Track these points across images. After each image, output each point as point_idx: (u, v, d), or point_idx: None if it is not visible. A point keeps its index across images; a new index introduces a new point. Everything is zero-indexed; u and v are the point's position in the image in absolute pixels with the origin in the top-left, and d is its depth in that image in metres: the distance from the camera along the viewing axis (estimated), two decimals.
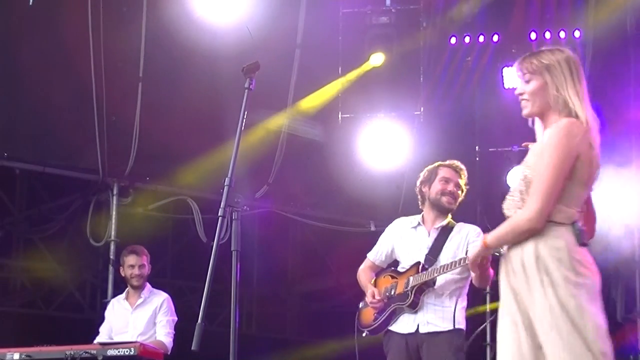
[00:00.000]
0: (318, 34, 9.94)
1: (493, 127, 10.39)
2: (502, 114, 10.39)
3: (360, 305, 6.26)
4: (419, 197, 6.22)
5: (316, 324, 11.12)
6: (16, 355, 6.68)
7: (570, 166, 3.86)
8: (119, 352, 6.63)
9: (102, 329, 7.53)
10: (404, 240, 6.17)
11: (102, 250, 9.33)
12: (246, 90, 4.26)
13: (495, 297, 11.45)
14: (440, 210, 6.12)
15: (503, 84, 10.44)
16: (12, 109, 8.67)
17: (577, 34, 10.37)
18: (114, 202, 9.08)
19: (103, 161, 8.77)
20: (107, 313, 7.65)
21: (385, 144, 9.89)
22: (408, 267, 6.07)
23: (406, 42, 9.89)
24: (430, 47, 10.14)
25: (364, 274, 6.32)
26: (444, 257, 5.97)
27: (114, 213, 9.07)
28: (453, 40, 10.55)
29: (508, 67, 10.44)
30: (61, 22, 8.67)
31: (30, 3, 8.46)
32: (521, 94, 4.06)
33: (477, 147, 10.43)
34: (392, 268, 6.25)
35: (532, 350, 3.76)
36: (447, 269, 5.81)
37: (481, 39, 10.51)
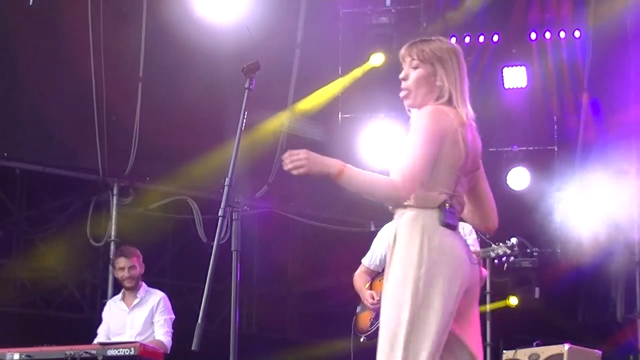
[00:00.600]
0: (318, 34, 9.94)
1: (493, 127, 10.39)
2: (502, 114, 10.40)
3: (357, 309, 6.25)
4: None
5: (316, 324, 11.11)
6: (16, 355, 6.67)
7: (438, 148, 3.74)
8: (119, 352, 6.62)
9: (100, 330, 7.51)
10: None
11: (102, 250, 9.33)
12: (246, 90, 4.24)
13: (495, 297, 11.48)
14: None
15: (503, 84, 10.44)
16: (12, 109, 8.66)
17: (577, 34, 10.37)
18: (114, 202, 9.08)
19: (103, 161, 8.77)
20: (104, 314, 7.62)
21: (385, 144, 9.89)
22: None
23: (406, 42, 9.88)
24: None
25: (359, 279, 6.34)
26: None
27: (114, 213, 9.07)
28: (453, 40, 10.51)
29: (508, 67, 10.44)
30: (61, 22, 8.68)
31: (30, 3, 8.46)
32: (404, 79, 3.95)
33: None
34: None
35: None
36: None
37: (481, 39, 10.50)
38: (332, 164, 3.74)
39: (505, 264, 6.43)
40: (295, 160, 3.76)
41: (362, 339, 6.14)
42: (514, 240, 6.31)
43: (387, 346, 3.61)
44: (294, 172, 3.67)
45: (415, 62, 3.94)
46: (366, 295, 6.17)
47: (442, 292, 3.60)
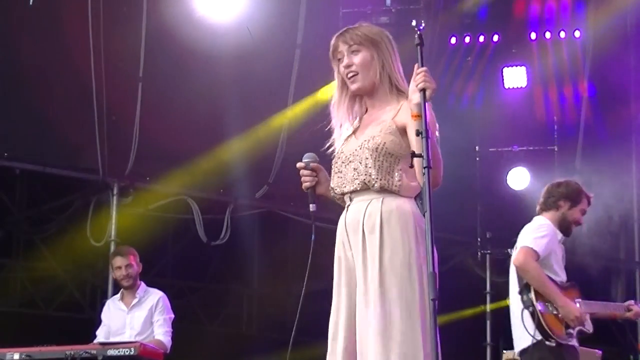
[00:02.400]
0: (318, 34, 9.94)
1: (493, 127, 10.40)
2: (502, 114, 10.40)
3: (541, 308, 5.93)
4: (547, 204, 6.19)
5: (316, 324, 11.11)
6: (16, 355, 6.67)
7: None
8: (119, 352, 6.62)
9: (99, 332, 7.49)
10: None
11: (102, 250, 9.32)
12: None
13: (495, 297, 11.48)
14: (564, 233, 6.16)
15: (503, 84, 10.44)
16: (12, 109, 8.67)
17: (577, 34, 10.38)
18: (114, 202, 9.08)
19: (103, 161, 8.78)
20: (103, 315, 7.61)
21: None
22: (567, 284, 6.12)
23: (406, 42, 9.88)
24: (430, 47, 10.14)
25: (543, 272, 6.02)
26: None
27: (114, 213, 9.07)
28: (453, 40, 10.55)
29: (508, 67, 10.45)
30: (61, 22, 8.68)
31: (30, 3, 8.46)
32: (349, 66, 3.90)
33: (477, 147, 10.44)
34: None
35: None
36: None
37: (481, 39, 10.51)
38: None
39: None
40: (426, 76, 3.53)
41: (552, 343, 5.93)
42: None
43: (381, 338, 3.65)
44: (422, 86, 3.49)
45: (355, 47, 3.90)
46: (573, 309, 5.99)
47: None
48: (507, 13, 10.55)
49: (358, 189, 3.81)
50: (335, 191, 3.91)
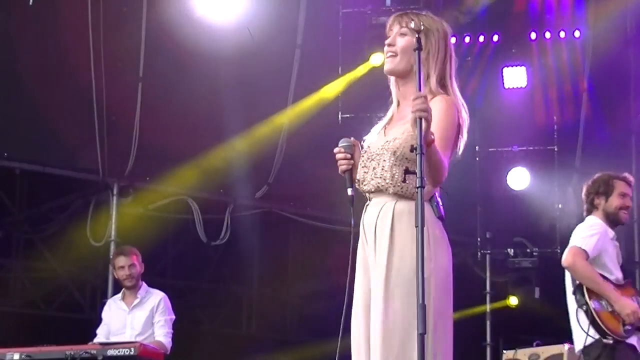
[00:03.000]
0: (318, 34, 9.94)
1: (493, 127, 10.39)
2: (502, 114, 10.39)
3: (595, 306, 5.92)
4: (587, 205, 6.21)
5: (316, 324, 11.11)
6: (16, 355, 6.67)
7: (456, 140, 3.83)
8: (119, 352, 6.62)
9: (100, 330, 7.50)
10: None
11: (102, 250, 9.32)
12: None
13: (495, 297, 11.46)
14: (616, 224, 6.20)
15: (503, 84, 10.44)
16: (12, 109, 8.67)
17: (577, 34, 10.37)
18: (114, 202, 9.09)
19: (103, 161, 8.78)
20: (103, 314, 7.61)
21: None
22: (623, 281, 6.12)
23: None
24: None
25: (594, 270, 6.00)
26: None
27: (114, 213, 9.07)
28: (453, 40, 10.52)
29: (508, 67, 10.44)
30: (61, 22, 8.68)
31: (30, 3, 8.46)
32: (390, 45, 3.90)
33: (477, 147, 10.44)
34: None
35: None
36: None
37: (481, 39, 10.50)
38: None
39: None
40: (422, 104, 3.40)
41: (610, 340, 5.93)
42: None
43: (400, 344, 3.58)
44: (418, 115, 3.38)
45: (404, 29, 3.87)
46: (627, 304, 5.97)
47: (450, 290, 3.65)
48: (507, 13, 10.54)
49: (372, 190, 3.80)
50: (358, 185, 3.89)
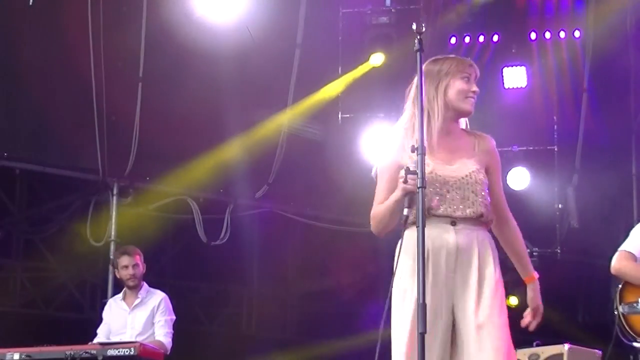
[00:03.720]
0: (318, 34, 9.94)
1: (493, 127, 10.36)
2: (502, 114, 10.39)
3: (624, 310, 5.94)
4: None
5: (316, 324, 11.12)
6: (16, 355, 6.67)
7: None
8: (119, 352, 6.62)
9: (100, 330, 7.51)
10: None
11: (102, 250, 9.33)
12: None
13: None
14: None
15: (503, 84, 10.44)
16: (12, 109, 8.67)
17: (577, 34, 10.37)
18: (114, 202, 9.09)
19: (103, 161, 8.78)
20: (104, 314, 7.62)
21: (385, 144, 9.86)
22: None
23: (406, 42, 9.89)
24: (430, 47, 10.13)
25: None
26: None
27: (114, 213, 9.07)
28: (453, 40, 10.55)
29: (508, 67, 10.44)
30: (61, 22, 8.68)
31: (30, 3, 8.47)
32: (476, 92, 4.13)
33: None
34: None
35: None
36: None
37: (481, 39, 10.51)
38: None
39: None
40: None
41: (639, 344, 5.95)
42: None
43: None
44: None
45: (476, 80, 4.18)
46: None
47: None
48: (507, 13, 10.54)
49: (468, 216, 3.99)
50: (438, 212, 3.97)
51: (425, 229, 3.73)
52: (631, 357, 6.73)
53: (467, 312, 3.88)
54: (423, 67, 3.96)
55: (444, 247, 3.92)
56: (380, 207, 4.06)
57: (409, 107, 4.18)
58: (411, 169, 3.82)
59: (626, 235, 6.08)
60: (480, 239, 3.99)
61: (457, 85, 4.06)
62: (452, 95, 4.06)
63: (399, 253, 3.93)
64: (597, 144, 10.31)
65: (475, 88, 4.10)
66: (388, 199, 3.98)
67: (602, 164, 10.22)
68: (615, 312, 5.94)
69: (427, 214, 3.84)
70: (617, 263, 5.97)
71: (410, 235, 3.85)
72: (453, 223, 3.96)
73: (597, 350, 7.42)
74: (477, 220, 3.99)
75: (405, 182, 3.81)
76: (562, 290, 10.73)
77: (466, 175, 4.02)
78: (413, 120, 4.07)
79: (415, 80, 4.02)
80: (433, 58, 4.16)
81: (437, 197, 3.96)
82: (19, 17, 8.61)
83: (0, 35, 8.61)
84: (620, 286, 6.02)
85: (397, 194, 3.89)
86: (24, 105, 8.66)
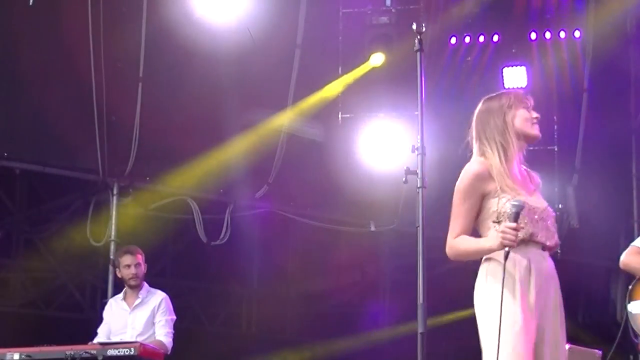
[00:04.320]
0: (318, 34, 9.95)
1: None
2: None
3: (633, 309, 6.04)
4: None
5: (316, 324, 11.12)
6: (16, 355, 6.67)
7: None
8: (119, 352, 6.62)
9: (100, 330, 7.51)
10: None
11: (102, 250, 9.33)
12: None
13: None
14: None
15: (503, 84, 10.44)
16: (12, 109, 8.67)
17: (577, 34, 10.38)
18: (114, 202, 9.09)
19: (103, 161, 8.78)
20: (105, 314, 7.62)
21: (385, 144, 9.88)
22: None
23: (406, 42, 9.90)
24: (430, 47, 10.14)
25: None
26: None
27: (114, 213, 9.07)
28: (453, 40, 10.55)
29: (508, 67, 10.44)
30: (61, 22, 8.68)
31: (30, 3, 8.47)
32: (537, 118, 4.42)
33: None
34: None
35: None
36: None
37: (481, 39, 10.51)
38: None
39: None
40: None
41: None
42: None
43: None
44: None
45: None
46: None
47: None
48: (507, 13, 10.55)
49: (552, 246, 4.30)
50: (536, 238, 4.23)
51: (526, 253, 4.13)
52: (631, 357, 6.75)
53: (548, 334, 4.21)
54: (481, 106, 4.36)
55: (543, 272, 4.22)
56: (468, 245, 4.25)
57: (479, 144, 4.45)
58: (510, 204, 4.09)
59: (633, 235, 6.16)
60: (550, 263, 4.30)
61: (522, 114, 4.35)
62: (520, 123, 4.36)
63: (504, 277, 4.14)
64: (597, 144, 10.31)
65: (536, 114, 4.37)
66: (472, 236, 4.23)
67: (602, 164, 10.23)
68: (625, 311, 6.00)
69: (529, 239, 4.16)
70: (626, 257, 6.10)
71: (510, 258, 4.11)
72: (543, 249, 4.26)
73: (597, 350, 7.42)
74: (552, 249, 4.30)
75: (505, 237, 4.02)
76: (562, 290, 10.72)
77: (546, 207, 4.31)
78: (502, 166, 4.38)
79: (477, 112, 4.41)
80: (487, 96, 4.43)
81: (535, 225, 4.23)
82: (19, 17, 8.61)
83: (0, 35, 8.61)
84: (630, 287, 6.08)
85: (494, 245, 4.10)
86: (24, 105, 8.66)
